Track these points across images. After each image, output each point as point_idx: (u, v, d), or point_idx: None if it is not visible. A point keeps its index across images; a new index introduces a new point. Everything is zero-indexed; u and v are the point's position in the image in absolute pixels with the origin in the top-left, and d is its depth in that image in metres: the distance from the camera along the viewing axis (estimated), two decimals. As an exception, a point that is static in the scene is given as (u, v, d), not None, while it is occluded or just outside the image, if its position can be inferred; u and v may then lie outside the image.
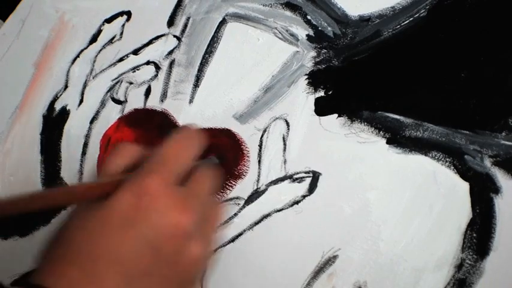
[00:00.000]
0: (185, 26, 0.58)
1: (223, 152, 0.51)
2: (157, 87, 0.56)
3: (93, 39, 0.62)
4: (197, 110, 0.54)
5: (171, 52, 0.57)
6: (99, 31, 0.62)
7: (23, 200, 0.31)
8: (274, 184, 0.48)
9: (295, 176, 0.48)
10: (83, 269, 0.31)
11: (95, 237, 0.32)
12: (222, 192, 0.48)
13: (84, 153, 0.56)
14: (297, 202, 0.47)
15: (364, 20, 0.51)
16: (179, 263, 0.33)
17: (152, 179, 0.33)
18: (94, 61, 0.60)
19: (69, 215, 0.34)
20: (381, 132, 0.47)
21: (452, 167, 0.43)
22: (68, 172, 0.56)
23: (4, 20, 0.68)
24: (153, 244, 0.32)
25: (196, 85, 0.55)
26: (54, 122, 0.59)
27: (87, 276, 0.31)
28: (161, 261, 0.33)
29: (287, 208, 0.47)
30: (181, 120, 0.54)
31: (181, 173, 0.35)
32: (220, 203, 0.41)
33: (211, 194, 0.37)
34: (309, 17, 0.53)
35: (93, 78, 0.60)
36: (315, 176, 0.47)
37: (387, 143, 0.46)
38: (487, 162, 0.42)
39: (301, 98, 0.50)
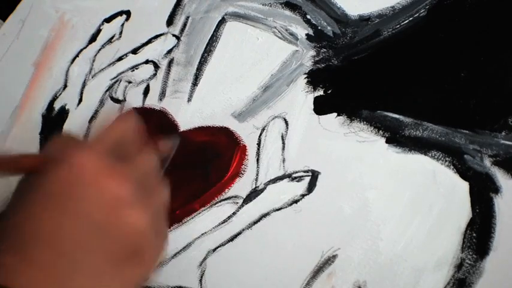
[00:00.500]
0: (184, 25, 0.58)
1: (222, 150, 0.51)
2: (156, 86, 0.56)
3: (93, 38, 0.61)
4: (196, 108, 0.54)
5: (170, 51, 0.57)
6: (99, 31, 0.62)
7: None
8: (273, 183, 0.48)
9: (294, 175, 0.48)
10: (17, 254, 0.30)
11: (23, 219, 0.31)
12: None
13: None
14: (296, 201, 0.47)
15: (364, 19, 0.51)
16: (122, 234, 0.32)
17: (80, 150, 0.32)
18: (93, 60, 0.60)
19: (6, 203, 0.34)
20: (380, 131, 0.46)
21: (452, 167, 0.43)
22: None
23: (4, 20, 0.68)
24: (91, 218, 0.31)
25: (195, 84, 0.55)
26: (53, 121, 0.59)
27: (22, 260, 0.30)
28: (102, 235, 0.31)
29: (286, 207, 0.47)
30: (179, 119, 0.54)
31: (111, 144, 0.35)
32: (162, 180, 0.38)
33: (150, 170, 0.37)
34: (308, 17, 0.53)
35: (92, 77, 0.59)
36: (314, 175, 0.47)
37: (387, 142, 0.46)
38: (487, 162, 0.42)
39: (300, 96, 0.50)
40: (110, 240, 0.32)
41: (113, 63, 0.59)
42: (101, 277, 0.32)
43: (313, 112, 0.49)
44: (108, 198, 0.32)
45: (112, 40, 0.60)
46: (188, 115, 0.54)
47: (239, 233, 0.47)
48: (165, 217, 0.37)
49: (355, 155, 0.47)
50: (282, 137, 0.49)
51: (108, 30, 0.61)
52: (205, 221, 0.49)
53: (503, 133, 0.43)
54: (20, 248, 0.30)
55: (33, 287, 0.30)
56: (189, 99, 0.54)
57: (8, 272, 0.29)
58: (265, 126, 0.50)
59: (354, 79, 0.49)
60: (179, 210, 0.50)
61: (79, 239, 0.31)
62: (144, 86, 0.57)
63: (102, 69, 0.59)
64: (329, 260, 0.44)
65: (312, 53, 0.52)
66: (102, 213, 0.31)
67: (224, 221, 0.48)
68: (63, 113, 0.59)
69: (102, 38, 0.61)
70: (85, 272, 0.31)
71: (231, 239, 0.47)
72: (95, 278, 0.32)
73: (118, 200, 0.32)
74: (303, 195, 0.47)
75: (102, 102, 0.58)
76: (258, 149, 0.50)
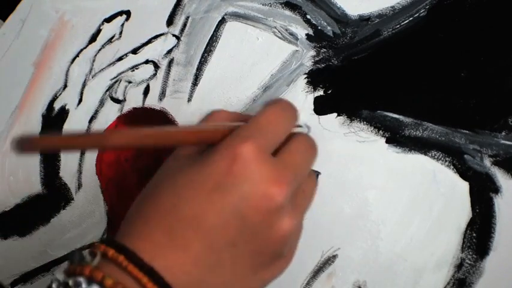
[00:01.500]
0: (184, 25, 0.58)
1: None
2: (156, 86, 0.56)
3: (93, 38, 0.61)
4: (196, 108, 0.54)
5: (170, 51, 0.57)
6: (99, 31, 0.61)
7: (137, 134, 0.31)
8: None
9: None
10: (169, 234, 0.30)
11: (182, 201, 0.31)
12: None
13: (83, 152, 0.56)
14: None
15: (364, 19, 0.51)
16: (268, 236, 0.32)
17: (247, 144, 0.31)
18: (93, 60, 0.60)
19: (159, 170, 0.34)
20: (380, 131, 0.47)
21: (451, 167, 0.44)
22: (67, 171, 0.56)
23: (4, 20, 0.68)
24: (241, 214, 0.31)
25: (195, 84, 0.55)
26: (53, 121, 0.59)
27: (171, 240, 0.30)
28: (248, 232, 0.32)
29: None
30: (179, 119, 0.54)
31: (277, 143, 0.34)
32: (315, 175, 0.39)
33: (307, 166, 0.36)
34: (308, 17, 0.53)
35: (92, 77, 0.59)
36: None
37: (387, 142, 0.46)
38: (487, 162, 0.43)
39: (300, 97, 0.50)
40: (258, 242, 0.32)
41: (113, 63, 0.59)
42: (243, 276, 0.33)
43: (313, 112, 0.49)
44: (265, 201, 0.31)
45: (112, 40, 0.60)
46: (188, 115, 0.54)
47: None
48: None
49: (355, 155, 0.47)
50: None
51: (108, 30, 0.61)
52: None
53: (503, 133, 0.43)
54: (170, 229, 0.31)
55: (178, 272, 0.30)
56: (189, 99, 0.54)
57: (155, 247, 0.30)
58: None
59: (354, 79, 0.49)
60: None
61: (230, 234, 0.31)
62: (144, 86, 0.57)
63: (102, 69, 0.59)
64: (329, 260, 0.44)
65: (312, 53, 0.52)
66: (256, 214, 0.31)
67: None
68: (63, 113, 0.59)
69: (102, 38, 0.61)
70: (228, 270, 0.32)
71: None
72: (237, 276, 0.32)
73: (270, 202, 0.31)
74: None
75: (102, 102, 0.58)
76: None
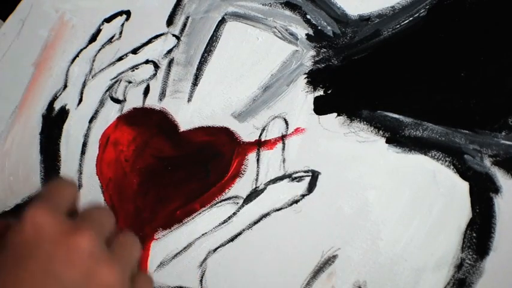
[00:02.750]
0: (184, 25, 0.58)
1: (222, 150, 0.52)
2: (156, 86, 0.57)
3: (93, 38, 0.62)
4: (195, 108, 0.54)
5: (170, 51, 0.58)
6: (99, 30, 0.62)
7: None
8: (273, 183, 0.49)
9: (294, 175, 0.48)
10: None
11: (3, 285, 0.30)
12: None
13: (83, 152, 0.57)
14: (296, 201, 0.47)
15: (364, 19, 0.51)
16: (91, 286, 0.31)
17: (35, 212, 0.31)
18: (93, 60, 0.61)
19: None
20: (381, 131, 0.47)
21: (451, 167, 0.44)
22: (68, 171, 0.56)
23: (4, 19, 0.69)
24: (55, 274, 0.30)
25: (195, 84, 0.55)
26: (53, 121, 0.59)
27: None
28: None
29: (286, 207, 0.47)
30: (179, 119, 0.54)
31: (66, 205, 0.33)
32: (127, 232, 0.36)
33: (106, 220, 0.35)
34: (308, 17, 0.54)
35: (92, 77, 0.60)
36: (314, 175, 0.47)
37: (387, 142, 0.46)
38: (487, 162, 0.43)
39: (300, 96, 0.51)
40: None
41: (113, 63, 0.60)
42: None
43: (313, 112, 0.50)
44: (71, 252, 0.31)
45: (112, 40, 0.61)
46: (188, 115, 0.54)
47: (239, 233, 0.48)
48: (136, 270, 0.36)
49: (355, 155, 0.47)
50: (282, 137, 0.50)
51: (108, 30, 0.61)
52: (205, 221, 0.49)
53: (503, 133, 0.43)
54: None
55: None
56: (189, 99, 0.55)
57: None
58: (265, 126, 0.51)
59: (354, 79, 0.50)
60: (179, 211, 0.50)
61: None
62: (144, 86, 0.57)
63: (102, 69, 0.60)
64: (329, 260, 0.44)
65: (312, 53, 0.52)
66: (67, 268, 0.30)
67: (224, 221, 0.49)
68: (63, 113, 0.59)
69: (102, 38, 0.61)
70: None
71: (232, 239, 0.48)
72: None
73: (85, 253, 0.31)
74: (303, 196, 0.47)
75: (102, 102, 0.58)
76: (258, 149, 0.50)
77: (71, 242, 0.30)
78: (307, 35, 0.53)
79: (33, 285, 0.30)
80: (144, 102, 0.56)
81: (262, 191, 0.49)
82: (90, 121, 0.58)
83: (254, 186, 0.49)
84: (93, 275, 0.31)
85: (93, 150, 0.56)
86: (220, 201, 0.50)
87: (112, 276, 0.31)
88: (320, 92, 0.50)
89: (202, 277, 0.47)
